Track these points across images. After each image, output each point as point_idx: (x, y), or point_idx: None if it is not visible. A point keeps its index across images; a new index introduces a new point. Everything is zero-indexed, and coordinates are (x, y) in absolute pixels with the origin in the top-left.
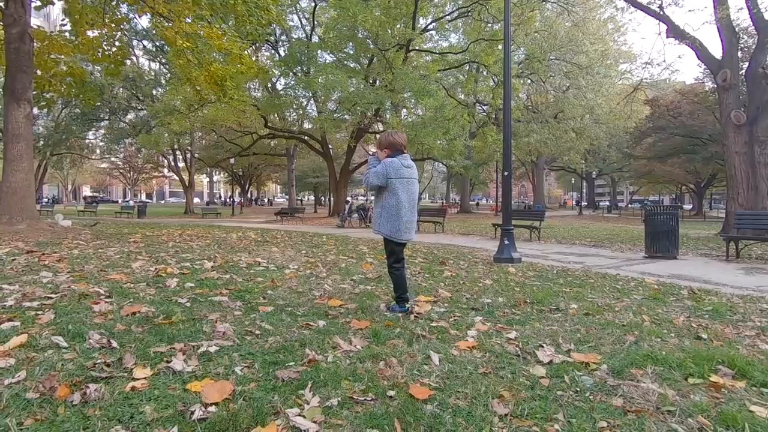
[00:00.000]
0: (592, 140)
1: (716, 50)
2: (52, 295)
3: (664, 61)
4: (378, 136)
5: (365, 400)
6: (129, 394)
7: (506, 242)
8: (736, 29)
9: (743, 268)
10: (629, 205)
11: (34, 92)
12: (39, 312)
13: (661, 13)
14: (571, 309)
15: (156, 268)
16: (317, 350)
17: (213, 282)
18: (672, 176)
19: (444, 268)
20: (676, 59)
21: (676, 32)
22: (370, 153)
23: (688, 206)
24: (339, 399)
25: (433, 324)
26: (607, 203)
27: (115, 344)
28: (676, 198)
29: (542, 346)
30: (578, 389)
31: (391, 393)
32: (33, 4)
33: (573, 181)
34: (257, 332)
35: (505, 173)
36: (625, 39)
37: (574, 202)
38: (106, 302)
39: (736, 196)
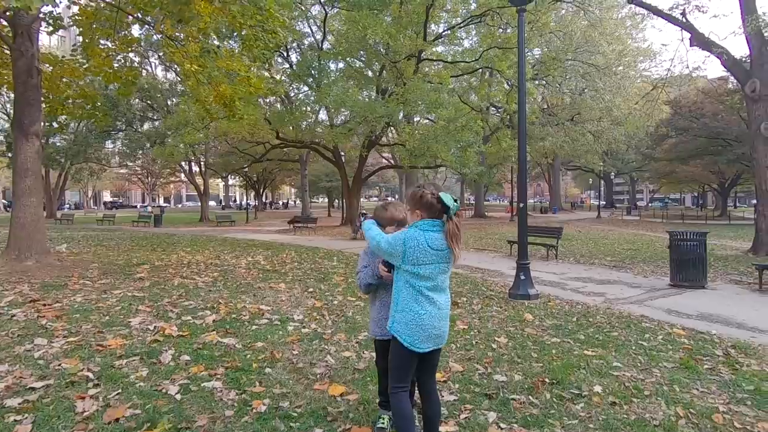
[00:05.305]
0: (611, 142)
1: (741, 53)
2: (38, 384)
3: (687, 67)
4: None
5: None
6: None
7: (522, 277)
8: (766, 36)
9: None
10: (649, 204)
11: (47, 117)
12: (18, 417)
13: (684, 20)
14: (594, 393)
15: (155, 327)
16: None
17: (210, 353)
18: (694, 176)
19: (456, 312)
20: (701, 63)
21: (700, 40)
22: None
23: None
24: None
25: (442, 429)
26: (626, 204)
27: None
28: (698, 197)
29: None
30: None
31: None
32: (45, 30)
33: (591, 181)
34: None
35: (521, 205)
36: (644, 36)
37: (591, 201)
38: (90, 397)
39: (766, 212)
